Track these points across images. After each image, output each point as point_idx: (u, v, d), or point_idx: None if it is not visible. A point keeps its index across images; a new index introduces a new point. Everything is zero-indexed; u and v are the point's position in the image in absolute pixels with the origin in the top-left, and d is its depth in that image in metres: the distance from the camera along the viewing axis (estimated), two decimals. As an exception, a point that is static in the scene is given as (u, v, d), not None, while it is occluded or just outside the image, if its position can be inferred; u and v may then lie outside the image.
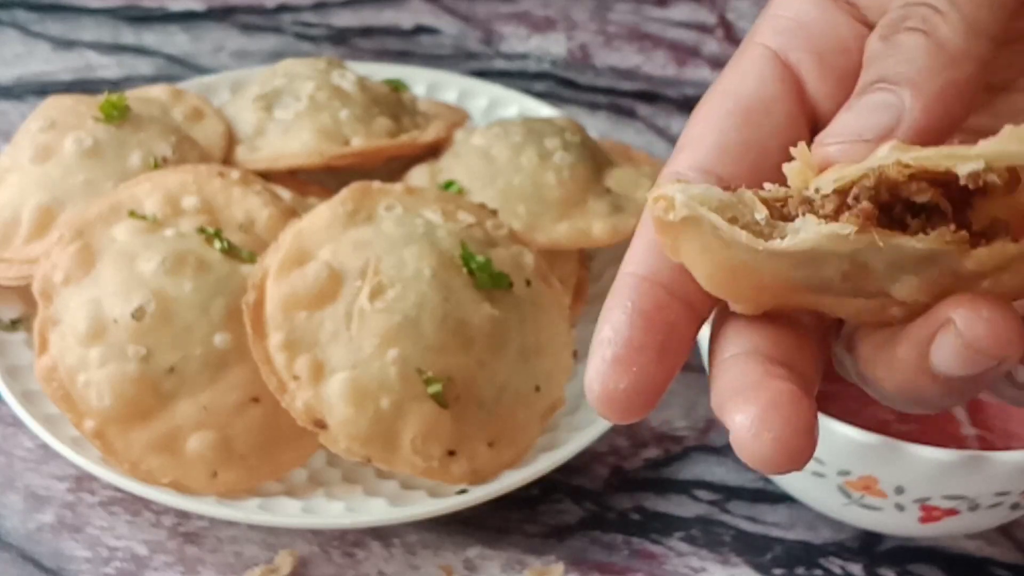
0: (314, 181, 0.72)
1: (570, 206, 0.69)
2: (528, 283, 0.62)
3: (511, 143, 0.71)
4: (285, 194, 0.67)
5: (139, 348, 0.58)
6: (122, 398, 0.58)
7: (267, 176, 0.68)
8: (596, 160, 0.72)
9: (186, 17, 1.01)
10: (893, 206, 0.29)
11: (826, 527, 0.63)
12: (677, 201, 0.30)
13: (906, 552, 0.62)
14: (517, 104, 0.84)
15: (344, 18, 1.03)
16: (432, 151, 0.74)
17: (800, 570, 0.61)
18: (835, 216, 0.29)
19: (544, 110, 0.82)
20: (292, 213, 0.63)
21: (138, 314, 0.58)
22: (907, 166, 0.29)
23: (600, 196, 0.70)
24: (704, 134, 0.34)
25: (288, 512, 0.59)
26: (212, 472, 0.58)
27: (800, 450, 0.29)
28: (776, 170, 0.32)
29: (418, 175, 0.71)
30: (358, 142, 0.71)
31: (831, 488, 0.58)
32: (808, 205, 0.29)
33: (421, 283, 0.58)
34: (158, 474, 0.58)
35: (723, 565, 0.61)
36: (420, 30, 1.02)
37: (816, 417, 0.30)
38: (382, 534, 0.61)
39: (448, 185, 0.69)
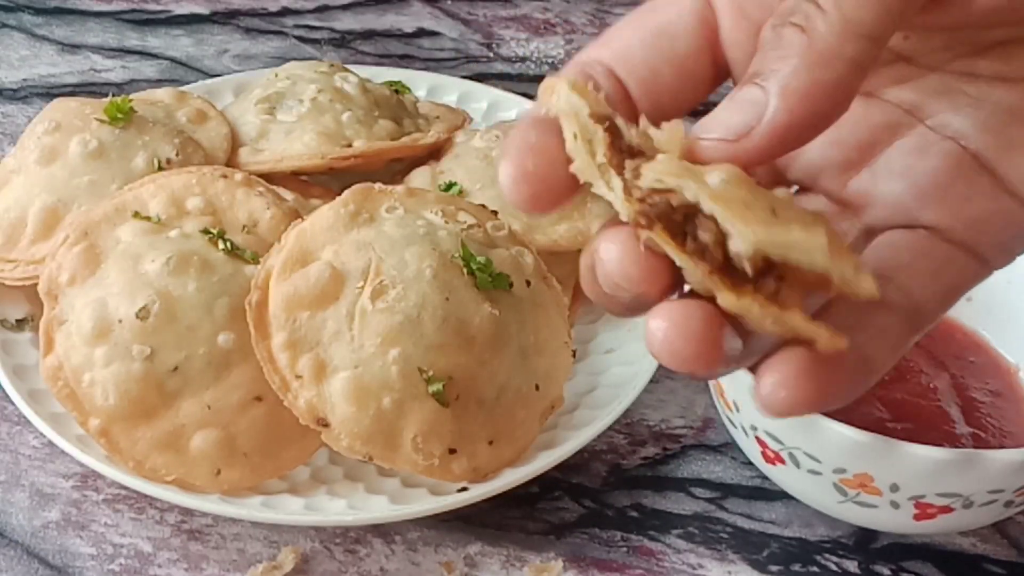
0: (317, 183, 0.73)
1: (569, 207, 0.69)
2: (528, 283, 0.63)
3: (511, 145, 0.71)
4: (288, 195, 0.67)
5: (144, 347, 0.58)
6: (127, 397, 0.58)
7: (270, 178, 0.68)
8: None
9: (190, 20, 1.02)
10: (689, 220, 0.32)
11: (822, 524, 0.64)
12: (555, 100, 0.34)
13: (901, 549, 0.63)
14: (517, 107, 0.84)
15: (346, 21, 1.04)
16: (433, 153, 0.74)
17: (796, 567, 0.62)
18: (637, 200, 0.33)
19: (544, 112, 0.82)
20: (295, 214, 0.64)
21: (143, 314, 0.59)
22: (701, 211, 0.32)
23: (599, 197, 0.71)
24: (617, 37, 0.37)
25: (291, 509, 0.59)
26: (216, 470, 0.59)
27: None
28: (663, 90, 0.36)
29: (419, 177, 0.72)
30: (360, 144, 0.72)
31: (827, 486, 0.58)
32: (635, 187, 0.33)
33: (422, 283, 0.59)
34: (162, 472, 0.59)
35: (720, 562, 0.62)
36: (421, 33, 1.03)
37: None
38: (384, 531, 0.62)
39: (449, 187, 0.70)
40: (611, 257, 0.33)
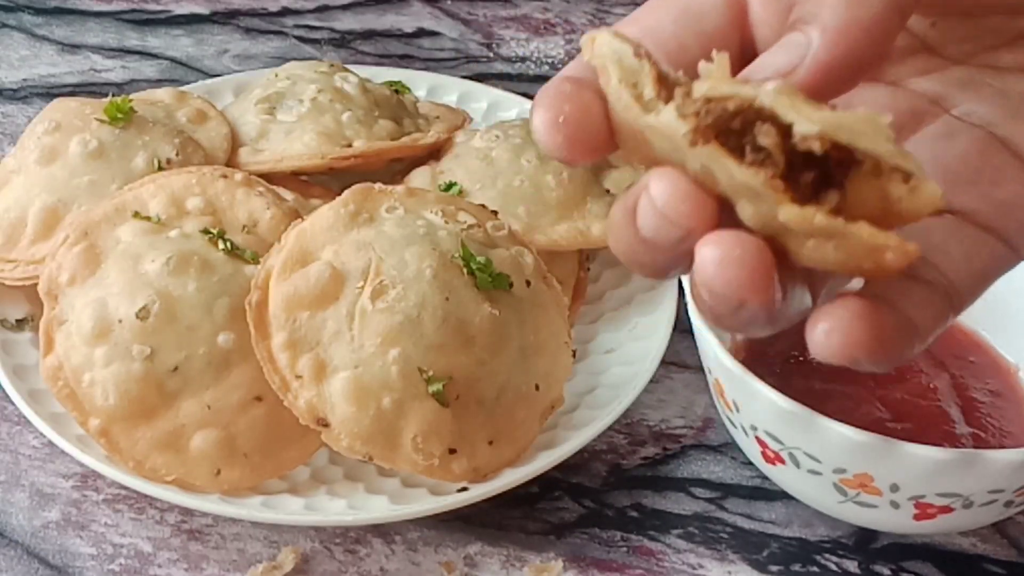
0: (317, 183, 0.73)
1: (569, 207, 0.70)
2: (528, 283, 0.63)
3: (511, 145, 0.72)
4: (288, 195, 0.67)
5: (144, 347, 0.59)
6: (127, 397, 0.58)
7: (270, 178, 0.68)
8: (595, 162, 0.72)
9: (190, 20, 1.02)
10: (746, 134, 0.31)
11: (822, 524, 0.64)
12: (596, 47, 0.34)
13: (901, 549, 0.63)
14: (517, 106, 0.85)
15: (346, 21, 1.04)
16: (433, 153, 0.74)
17: (796, 567, 0.62)
18: (692, 115, 0.32)
19: (544, 112, 0.82)
20: (295, 214, 0.64)
21: (143, 314, 0.59)
22: (761, 108, 0.31)
23: (599, 197, 0.71)
24: (645, 16, 0.37)
25: (291, 510, 0.59)
26: (216, 470, 0.59)
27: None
28: (691, 65, 0.34)
29: (419, 177, 0.72)
30: (360, 144, 0.72)
31: (827, 486, 0.58)
32: (689, 102, 0.32)
33: (422, 283, 0.59)
34: (162, 472, 0.59)
35: (720, 562, 0.62)
36: (421, 33, 1.03)
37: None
38: (384, 531, 0.62)
39: (449, 187, 0.70)
40: (661, 192, 0.32)
